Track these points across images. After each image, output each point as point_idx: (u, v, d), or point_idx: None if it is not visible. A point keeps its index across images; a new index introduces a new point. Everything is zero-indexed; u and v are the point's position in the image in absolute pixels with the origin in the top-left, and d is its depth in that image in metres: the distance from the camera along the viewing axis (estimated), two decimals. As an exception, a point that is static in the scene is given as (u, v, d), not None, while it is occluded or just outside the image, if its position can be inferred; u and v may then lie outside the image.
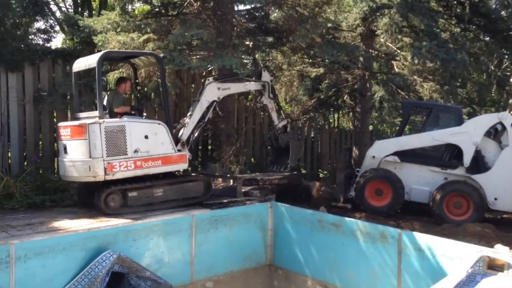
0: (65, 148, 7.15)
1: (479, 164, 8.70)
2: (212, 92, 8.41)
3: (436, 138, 9.00)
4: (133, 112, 7.78)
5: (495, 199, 8.42)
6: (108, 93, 8.09)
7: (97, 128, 6.75)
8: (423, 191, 8.94)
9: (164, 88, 7.92)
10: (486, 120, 8.87)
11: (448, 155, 9.00)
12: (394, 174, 9.04)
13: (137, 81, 8.61)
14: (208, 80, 8.45)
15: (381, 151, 9.46)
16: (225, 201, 7.92)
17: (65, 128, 7.23)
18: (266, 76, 9.43)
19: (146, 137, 7.21)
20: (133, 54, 8.06)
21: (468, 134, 8.71)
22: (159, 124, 7.45)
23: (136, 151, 7.07)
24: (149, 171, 7.26)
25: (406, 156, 9.27)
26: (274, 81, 12.80)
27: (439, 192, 8.52)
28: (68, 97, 9.67)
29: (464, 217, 8.32)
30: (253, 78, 9.34)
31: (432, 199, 8.60)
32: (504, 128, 8.63)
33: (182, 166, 7.79)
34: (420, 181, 9.05)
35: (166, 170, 7.52)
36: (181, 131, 8.04)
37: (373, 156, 9.50)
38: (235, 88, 9.00)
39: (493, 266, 5.24)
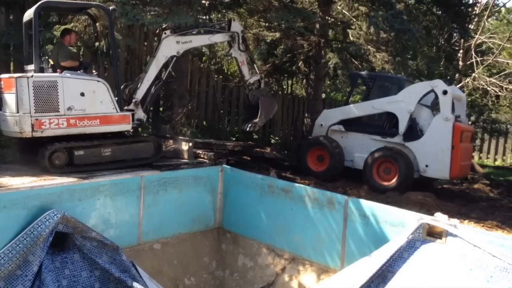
0: (1, 101, 6.86)
1: (413, 131, 8.99)
2: (170, 46, 7.88)
3: (375, 107, 9.42)
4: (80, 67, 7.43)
5: (426, 166, 8.68)
6: (54, 46, 7.69)
7: (25, 82, 6.45)
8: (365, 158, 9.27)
9: (112, 43, 7.40)
10: (420, 88, 9.13)
11: (388, 124, 9.35)
12: (333, 142, 9.46)
13: (96, 34, 8.13)
14: (165, 33, 7.87)
15: (328, 119, 10.00)
16: (175, 163, 7.83)
17: (1, 80, 6.88)
18: (236, 26, 8.69)
19: (82, 94, 6.85)
20: (77, 6, 7.59)
21: (403, 102, 9.02)
22: (98, 81, 7.05)
23: (69, 108, 6.73)
24: (85, 130, 6.92)
25: (351, 125, 9.69)
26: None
27: (369, 158, 9.04)
28: (12, 48, 9.13)
29: (390, 183, 8.72)
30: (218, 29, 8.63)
31: (364, 164, 8.98)
32: (437, 96, 8.88)
33: (124, 127, 7.38)
34: (363, 149, 9.41)
35: (105, 130, 7.16)
36: (137, 90, 7.70)
37: (321, 124, 10.05)
38: (197, 40, 8.43)
39: (432, 233, 5.47)
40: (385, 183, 8.77)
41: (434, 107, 9.13)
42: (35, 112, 6.50)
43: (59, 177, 6.43)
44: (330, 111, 10.54)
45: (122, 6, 7.60)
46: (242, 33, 8.77)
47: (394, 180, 8.68)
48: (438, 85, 8.82)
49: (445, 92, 8.68)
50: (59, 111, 6.68)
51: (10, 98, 6.65)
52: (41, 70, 6.97)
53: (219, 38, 8.60)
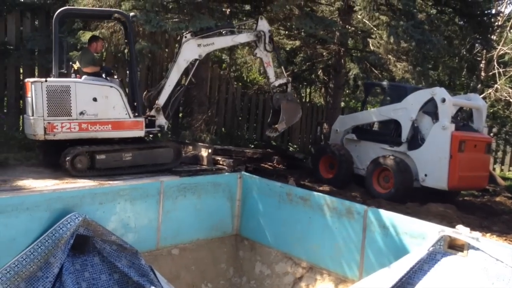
0: (25, 105, 7.11)
1: (415, 140, 8.92)
2: (191, 49, 7.69)
3: (382, 113, 9.56)
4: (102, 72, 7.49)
5: (425, 175, 8.56)
6: (80, 51, 7.82)
7: (39, 86, 6.66)
8: None
9: (132, 49, 7.50)
10: (421, 96, 9.02)
11: (395, 133, 9.32)
12: (343, 150, 9.58)
13: (126, 40, 8.17)
14: (186, 37, 7.68)
15: (342, 125, 10.31)
16: (194, 169, 7.87)
17: (25, 84, 7.08)
18: (263, 25, 8.19)
19: (95, 99, 6.95)
20: (96, 12, 7.73)
21: (406, 110, 8.98)
22: (111, 87, 7.11)
23: (82, 113, 6.86)
24: (97, 135, 7.03)
25: (363, 134, 9.84)
26: (249, 52, 12.68)
27: (369, 165, 9.15)
28: (36, 52, 9.31)
29: (386, 191, 8.73)
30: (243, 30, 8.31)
31: (365, 172, 9.03)
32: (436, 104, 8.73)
33: (137, 133, 7.36)
34: (373, 158, 9.38)
35: (117, 135, 7.23)
36: (159, 96, 7.71)
37: (337, 130, 10.28)
38: (220, 42, 8.11)
39: (454, 246, 5.39)
40: (382, 191, 8.84)
41: (435, 115, 8.99)
42: (48, 116, 6.70)
43: (81, 181, 6.52)
44: (344, 117, 10.76)
45: (146, 14, 7.67)
46: (270, 32, 8.30)
47: (391, 188, 8.70)
48: (438, 92, 8.70)
49: (443, 100, 8.55)
50: (71, 116, 6.83)
51: (28, 102, 6.91)
52: (64, 75, 7.16)
53: (243, 38, 8.19)
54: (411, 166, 8.77)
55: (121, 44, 8.59)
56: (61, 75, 7.13)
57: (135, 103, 7.50)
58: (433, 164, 8.47)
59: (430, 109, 8.99)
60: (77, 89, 6.86)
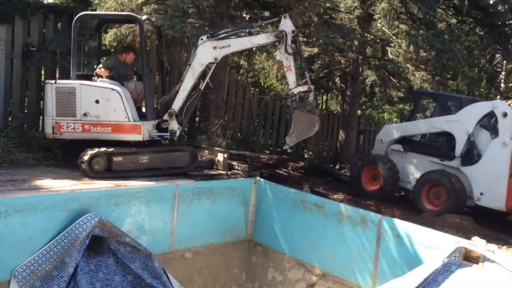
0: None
1: (470, 155, 8.43)
2: (207, 52, 7.34)
3: (434, 125, 8.96)
4: (111, 75, 7.42)
5: (481, 194, 8.09)
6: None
7: (50, 88, 7.06)
8: None
9: (143, 53, 7.51)
10: (479, 108, 8.52)
11: (447, 146, 8.85)
12: (386, 159, 9.09)
13: (161, 49, 8.39)
14: (202, 39, 7.31)
15: (387, 135, 9.68)
16: (209, 173, 7.91)
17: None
18: (286, 24, 7.43)
19: (97, 101, 7.08)
20: (113, 16, 7.88)
21: (462, 122, 8.47)
22: (112, 89, 7.14)
23: (85, 114, 7.05)
24: (98, 137, 7.16)
25: (411, 145, 9.32)
26: (267, 58, 12.72)
27: (419, 181, 8.58)
28: (58, 54, 9.48)
29: (437, 208, 8.24)
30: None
31: (413, 187, 8.65)
32: (496, 118, 8.30)
33: (134, 137, 7.24)
34: (421, 171, 8.94)
35: (116, 138, 7.22)
36: (174, 100, 7.62)
37: (381, 140, 9.74)
38: (237, 44, 7.56)
39: (469, 258, 5.33)
40: (432, 208, 8.31)
41: (494, 130, 8.48)
42: (56, 116, 7.05)
43: (98, 182, 6.60)
44: (390, 126, 10.16)
45: (170, 19, 7.70)
46: (294, 33, 7.48)
47: (442, 205, 8.20)
48: (499, 106, 8.21)
49: (505, 115, 8.06)
50: (76, 116, 7.06)
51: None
52: (87, 77, 7.44)
53: (262, 39, 7.56)
54: (465, 183, 8.30)
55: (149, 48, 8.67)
56: (78, 77, 7.33)
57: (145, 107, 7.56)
58: (490, 182, 7.98)
59: (487, 122, 8.54)
60: (82, 90, 7.08)
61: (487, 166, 8.10)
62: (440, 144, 9.08)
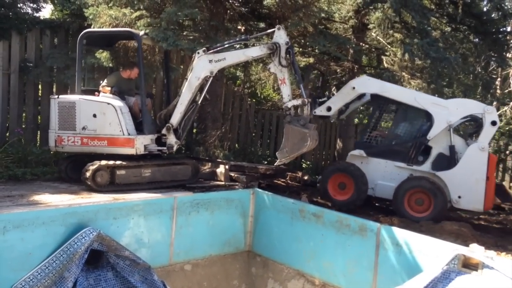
0: None
1: (449, 160, 8.47)
2: (203, 66, 7.41)
3: (417, 99, 8.64)
4: (113, 92, 7.61)
5: (459, 197, 8.26)
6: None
7: (53, 102, 7.53)
8: (388, 187, 8.61)
9: (140, 67, 7.63)
10: (471, 105, 8.53)
11: (415, 151, 8.78)
12: (356, 167, 8.75)
13: (169, 65, 8.63)
14: (198, 53, 7.41)
15: (364, 86, 9.11)
16: (207, 185, 7.92)
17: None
18: (280, 36, 7.29)
19: (95, 115, 7.30)
20: (115, 33, 8.01)
21: (448, 110, 8.43)
22: (108, 104, 7.32)
23: (84, 128, 7.31)
24: (96, 150, 7.37)
25: (372, 150, 9.04)
26: (263, 68, 12.78)
27: (401, 187, 8.41)
28: (55, 69, 9.52)
29: (424, 214, 8.20)
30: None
31: (394, 194, 8.55)
32: (481, 123, 8.32)
33: (128, 150, 7.30)
34: (386, 176, 8.81)
35: (112, 151, 7.33)
36: (172, 115, 7.74)
37: (353, 88, 9.02)
38: (231, 57, 7.57)
39: (468, 265, 5.35)
40: (417, 214, 8.22)
41: (470, 135, 8.62)
42: (58, 129, 7.45)
43: (96, 195, 6.61)
44: (370, 79, 9.45)
45: (164, 32, 7.78)
46: (287, 44, 7.32)
47: (428, 211, 8.15)
48: (492, 113, 8.30)
49: (494, 123, 8.20)
50: (75, 130, 7.32)
51: None
52: (90, 92, 7.83)
53: (255, 51, 7.46)
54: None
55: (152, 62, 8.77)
56: (83, 92, 7.72)
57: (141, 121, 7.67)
58: (468, 185, 8.14)
59: (458, 127, 8.62)
60: (81, 105, 7.35)
61: (465, 170, 8.25)
62: (406, 150, 8.91)
